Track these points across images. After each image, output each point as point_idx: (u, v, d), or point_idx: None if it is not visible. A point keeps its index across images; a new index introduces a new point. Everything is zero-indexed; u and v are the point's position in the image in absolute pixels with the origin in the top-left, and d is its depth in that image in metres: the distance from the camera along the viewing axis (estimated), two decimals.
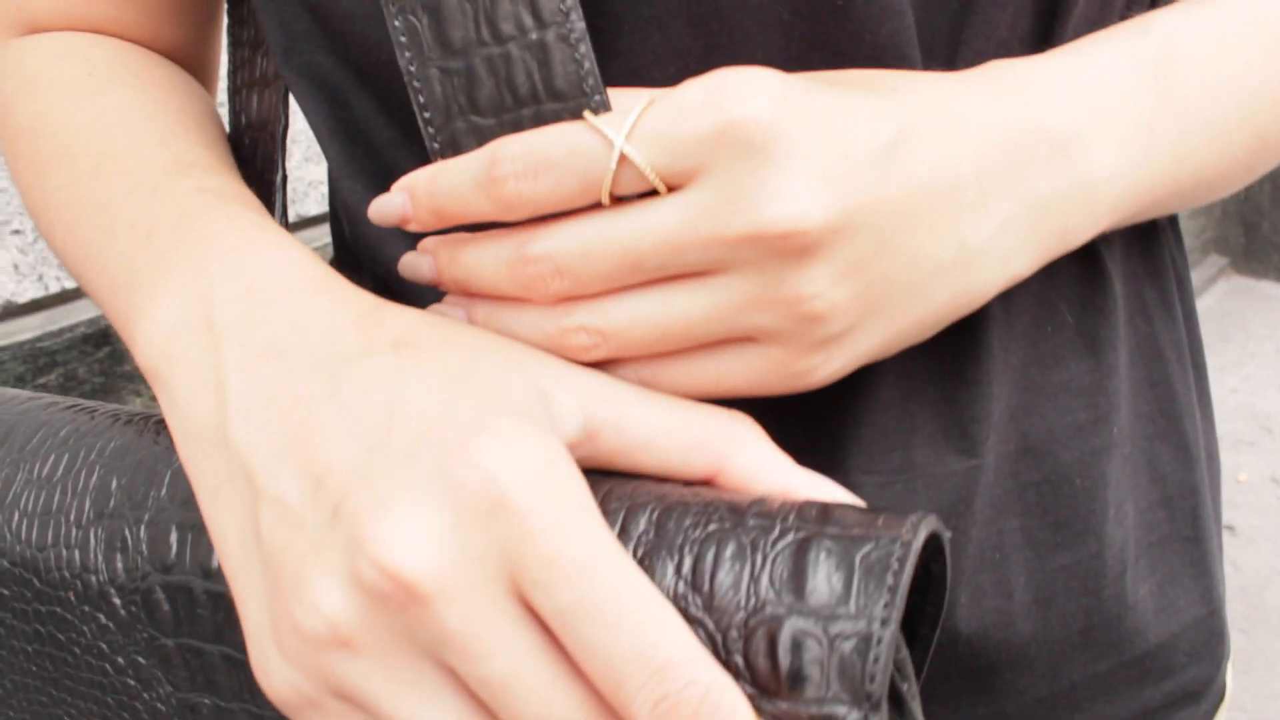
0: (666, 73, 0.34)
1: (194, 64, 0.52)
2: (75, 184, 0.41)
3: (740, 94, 0.29)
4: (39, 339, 1.01)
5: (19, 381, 1.01)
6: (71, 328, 1.03)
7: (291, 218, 1.26)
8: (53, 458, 0.40)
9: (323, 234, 1.23)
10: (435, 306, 0.36)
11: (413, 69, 0.33)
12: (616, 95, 0.33)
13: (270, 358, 0.30)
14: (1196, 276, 3.11)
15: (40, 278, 1.03)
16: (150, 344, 0.33)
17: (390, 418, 0.28)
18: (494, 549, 0.26)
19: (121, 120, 0.42)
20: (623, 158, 0.30)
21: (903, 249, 0.31)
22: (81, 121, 0.43)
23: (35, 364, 1.01)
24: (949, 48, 0.36)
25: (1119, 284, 0.43)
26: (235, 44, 0.50)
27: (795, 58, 0.34)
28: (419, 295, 0.38)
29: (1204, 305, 3.08)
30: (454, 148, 0.33)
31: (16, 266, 1.03)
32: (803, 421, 0.37)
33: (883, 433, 0.37)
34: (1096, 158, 0.35)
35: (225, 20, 0.52)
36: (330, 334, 0.30)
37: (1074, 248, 0.36)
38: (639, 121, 0.30)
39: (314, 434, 0.28)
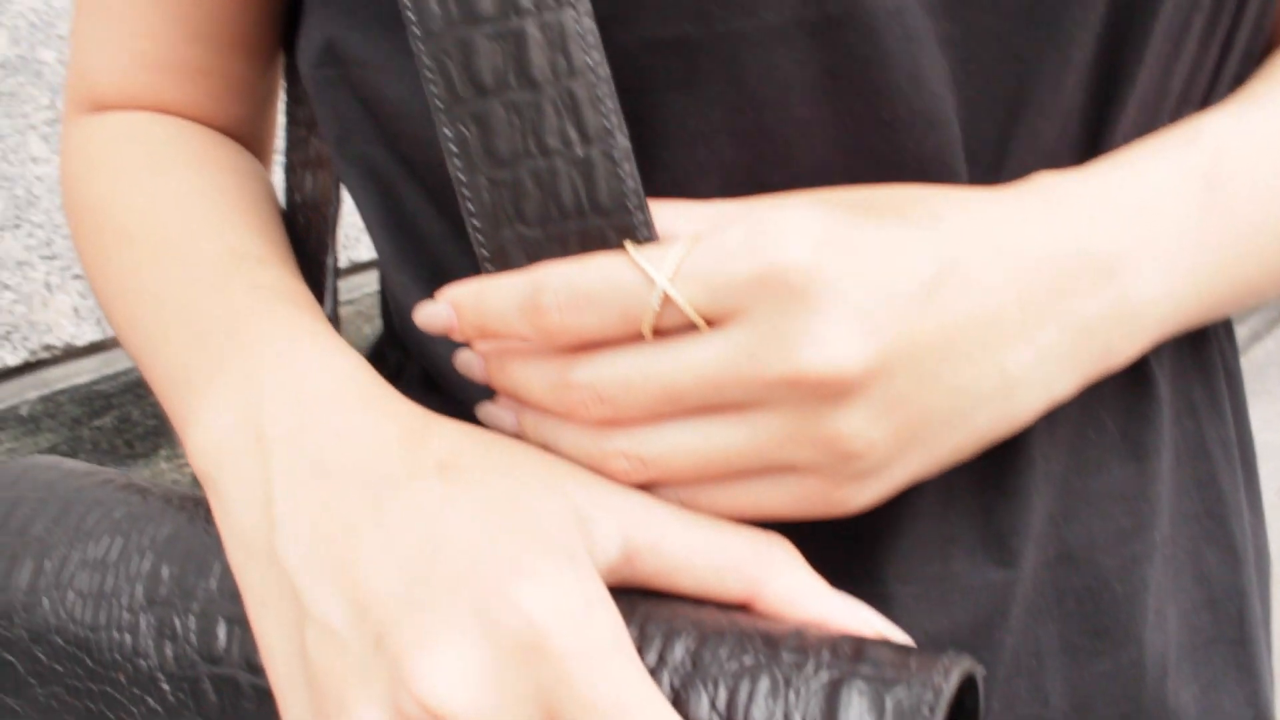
0: (711, 185, 0.35)
1: (252, 140, 0.53)
2: (134, 269, 0.42)
3: (782, 239, 0.30)
4: (95, 382, 1.03)
5: (75, 423, 1.03)
6: (126, 371, 1.05)
7: (343, 263, 1.28)
8: (107, 539, 0.41)
9: (373, 280, 1.25)
10: (486, 406, 0.37)
11: (462, 177, 0.34)
12: (659, 209, 0.33)
13: (317, 476, 0.30)
14: (1259, 318, 3.06)
15: (99, 321, 1.06)
16: (203, 450, 0.34)
17: (433, 550, 0.28)
18: (532, 691, 0.26)
19: (179, 204, 0.44)
20: (665, 297, 0.30)
21: (941, 383, 0.31)
22: (141, 204, 0.44)
23: (91, 406, 1.04)
24: (995, 157, 0.36)
25: (1166, 385, 0.42)
26: (291, 122, 0.52)
27: (840, 171, 0.35)
28: (467, 388, 0.39)
29: (1266, 349, 3.02)
30: (501, 256, 0.34)
31: (76, 310, 1.05)
32: (840, 529, 0.37)
33: (921, 542, 0.37)
34: (1142, 280, 0.34)
35: (282, 97, 0.53)
36: (376, 453, 0.31)
37: (1118, 368, 0.36)
38: (682, 262, 0.30)
39: (359, 560, 0.29)
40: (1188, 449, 0.44)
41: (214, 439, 0.33)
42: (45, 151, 1.02)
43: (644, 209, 0.32)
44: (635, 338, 0.31)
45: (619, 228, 0.32)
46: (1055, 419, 0.39)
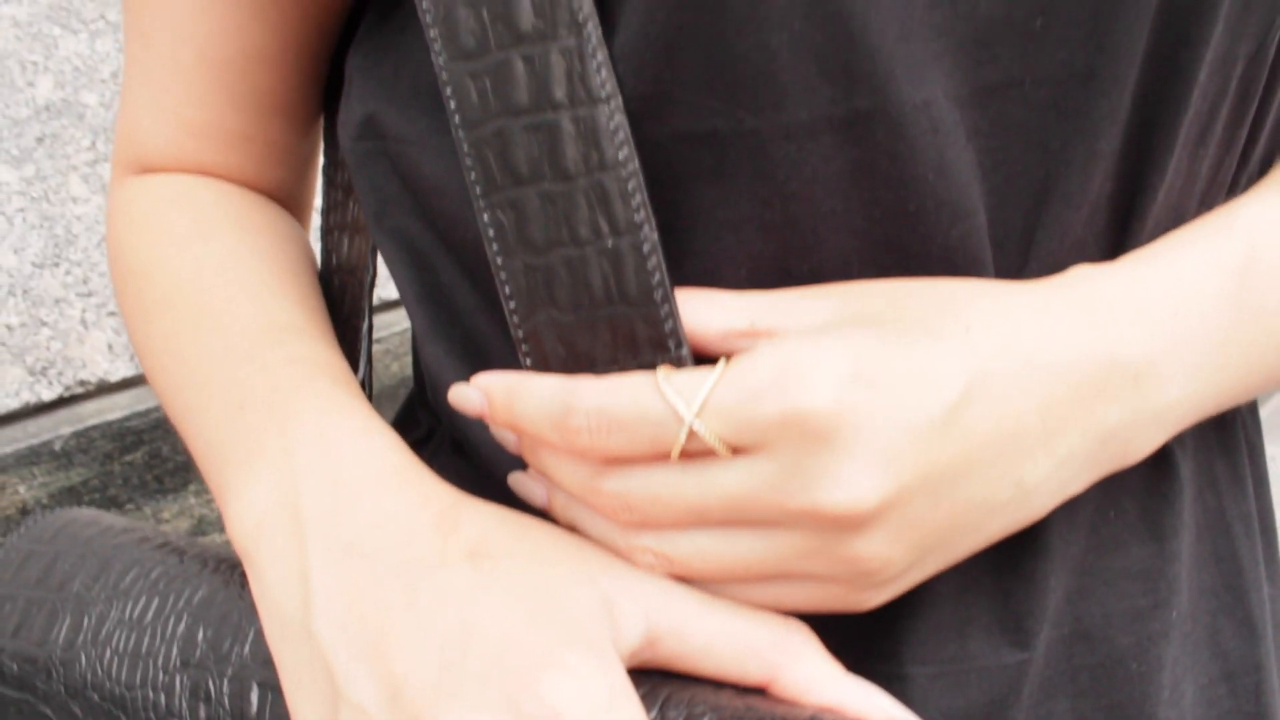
0: (739, 274, 0.36)
1: (291, 201, 0.55)
2: (176, 335, 0.44)
3: (808, 380, 0.31)
4: (127, 418, 1.05)
5: (107, 458, 1.05)
6: (158, 407, 1.07)
7: (376, 301, 1.30)
8: (144, 599, 0.42)
9: (402, 318, 1.26)
10: (518, 475, 0.38)
11: (499, 261, 0.35)
12: (686, 300, 0.34)
13: (352, 557, 0.32)
14: None
15: (132, 358, 1.08)
16: (241, 525, 0.35)
17: (464, 638, 0.29)
18: None
19: (221, 271, 0.45)
20: (692, 431, 0.32)
21: (959, 500, 0.32)
22: (184, 270, 0.46)
23: (123, 442, 1.05)
24: (1022, 246, 0.37)
25: (1188, 463, 0.43)
26: (329, 185, 0.53)
27: (866, 261, 0.35)
28: (498, 458, 0.40)
29: None
30: (535, 338, 0.35)
31: (111, 346, 1.07)
32: (859, 613, 0.38)
33: (938, 625, 0.38)
34: (1168, 385, 0.35)
35: (321, 160, 0.54)
36: (409, 536, 0.32)
37: (1135, 463, 0.36)
38: (709, 397, 0.31)
39: (391, 643, 0.30)
40: (1208, 524, 0.44)
41: (253, 516, 0.34)
42: (85, 192, 1.04)
43: (670, 301, 0.33)
44: (663, 458, 0.33)
45: (646, 319, 0.33)
46: (1075, 503, 0.39)
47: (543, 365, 0.35)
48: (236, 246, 0.47)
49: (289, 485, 0.34)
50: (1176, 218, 0.39)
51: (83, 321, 1.05)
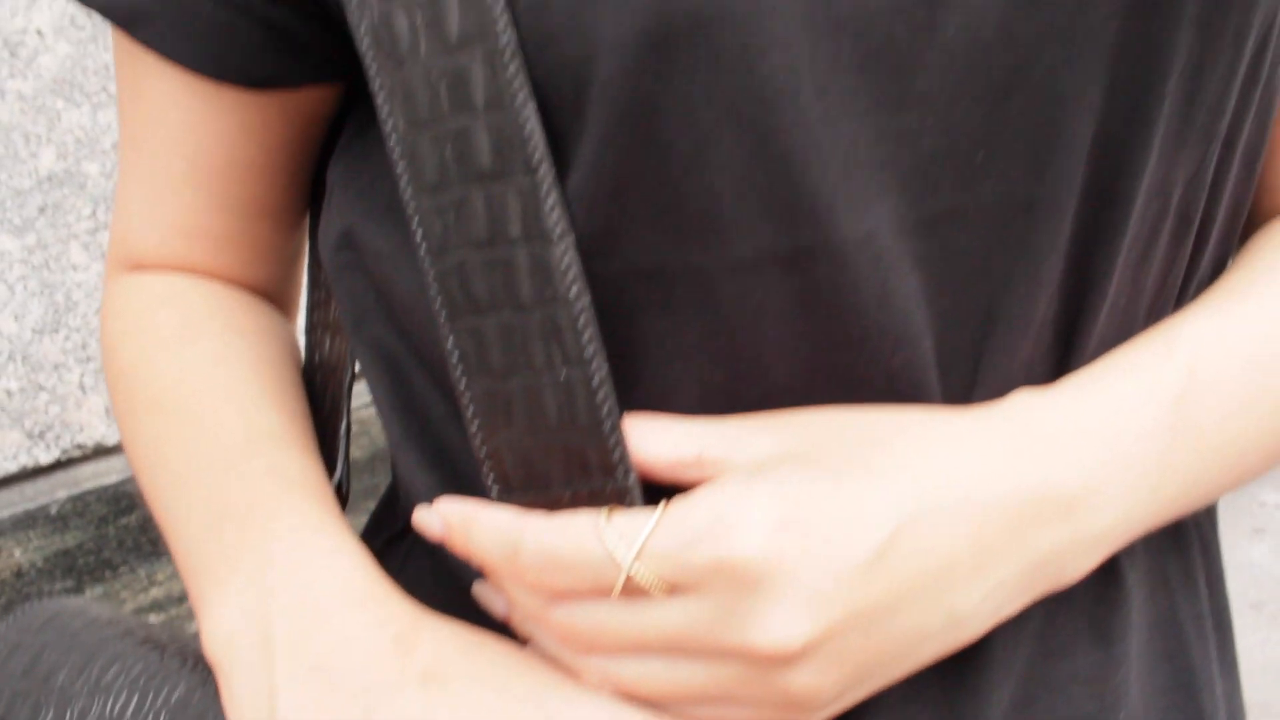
0: (688, 400, 0.37)
1: (278, 295, 0.56)
2: (162, 439, 0.45)
3: (738, 529, 0.32)
4: (122, 483, 1.06)
5: (101, 521, 1.06)
6: None
7: (356, 402, 1.32)
8: (124, 695, 0.43)
9: None
10: (480, 587, 0.39)
11: (463, 383, 0.37)
12: (634, 428, 0.36)
13: (316, 677, 0.33)
14: None
15: None
16: (214, 639, 0.36)
17: None
18: None
19: (206, 376, 0.47)
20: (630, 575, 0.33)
21: (890, 632, 0.33)
22: (171, 373, 0.47)
23: (118, 505, 1.07)
24: (969, 369, 0.38)
25: (1137, 567, 0.43)
26: (313, 284, 0.55)
27: (813, 387, 0.37)
28: (462, 565, 0.41)
29: None
30: (496, 457, 0.37)
31: (108, 410, 1.09)
32: None
33: None
34: (1104, 511, 0.36)
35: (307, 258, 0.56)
36: (369, 658, 0.34)
37: (1070, 585, 0.38)
38: (647, 542, 0.33)
39: None
40: (1159, 625, 0.45)
41: (225, 631, 0.36)
42: (85, 259, 1.06)
43: (617, 431, 0.35)
44: (606, 594, 0.34)
45: (597, 447, 0.35)
46: (1022, 613, 0.40)
47: (503, 482, 0.37)
48: (223, 350, 0.48)
49: (260, 604, 0.36)
50: (1123, 331, 0.40)
51: (81, 386, 1.07)
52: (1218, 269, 0.45)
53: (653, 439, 0.35)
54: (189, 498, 0.42)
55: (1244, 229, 0.45)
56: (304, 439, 0.45)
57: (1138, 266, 0.40)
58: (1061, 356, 0.40)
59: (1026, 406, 0.37)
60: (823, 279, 0.35)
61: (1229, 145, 0.40)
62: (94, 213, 1.06)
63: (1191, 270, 0.42)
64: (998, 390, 0.38)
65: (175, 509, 0.42)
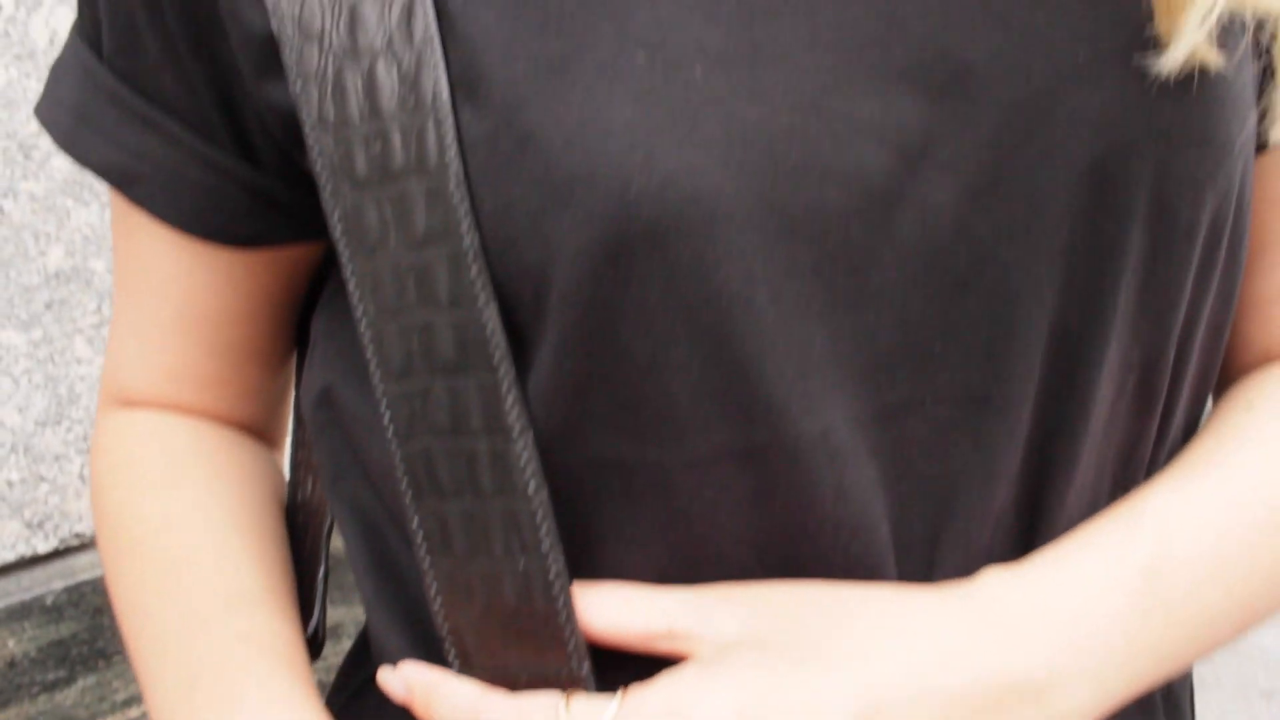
0: (647, 580, 0.38)
1: (266, 432, 0.58)
2: (141, 585, 0.46)
3: None
4: None
5: (97, 612, 1.07)
6: None
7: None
8: None
9: None
10: None
11: (426, 562, 0.38)
12: (609, 600, 0.37)
13: None
14: None
15: None
16: None
17: None
18: None
19: (189, 526, 0.48)
20: None
21: None
22: (156, 519, 0.49)
23: None
24: (926, 554, 0.38)
25: None
26: (298, 423, 0.56)
27: (769, 574, 0.38)
28: None
29: None
30: (457, 635, 0.38)
31: None
32: None
33: None
34: (1072, 692, 0.36)
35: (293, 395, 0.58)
36: None
37: None
38: None
39: None
40: None
41: None
42: (89, 353, 1.08)
43: (572, 621, 0.36)
44: None
45: (552, 635, 0.36)
46: None
47: (464, 659, 0.38)
48: (205, 498, 0.50)
49: None
50: (1093, 506, 0.41)
51: (81, 476, 1.08)
52: (1189, 431, 0.45)
53: (626, 612, 0.36)
54: (163, 652, 0.43)
55: (1220, 378, 0.45)
56: (280, 598, 0.46)
57: (1100, 450, 0.40)
58: (1024, 540, 0.40)
59: (990, 587, 0.37)
60: (779, 474, 0.36)
61: (1190, 324, 0.41)
62: (99, 308, 1.08)
63: (1161, 438, 0.43)
64: (956, 573, 0.39)
65: (151, 663, 0.43)
